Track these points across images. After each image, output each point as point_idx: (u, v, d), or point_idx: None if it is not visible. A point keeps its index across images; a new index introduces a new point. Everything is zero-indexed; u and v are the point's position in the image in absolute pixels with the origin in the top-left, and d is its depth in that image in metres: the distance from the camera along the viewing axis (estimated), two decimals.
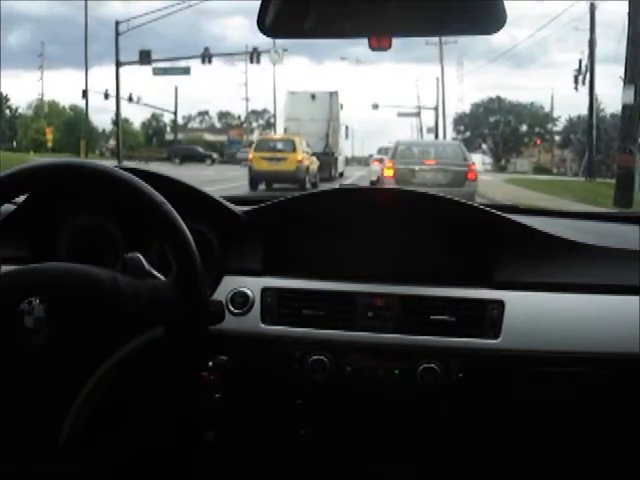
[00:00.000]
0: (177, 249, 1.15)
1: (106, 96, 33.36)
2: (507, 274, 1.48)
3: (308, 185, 18.37)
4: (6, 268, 1.23)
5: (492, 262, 1.49)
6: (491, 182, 22.88)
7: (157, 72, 31.23)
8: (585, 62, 25.04)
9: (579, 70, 26.03)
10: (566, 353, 1.39)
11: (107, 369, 1.13)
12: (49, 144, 38.80)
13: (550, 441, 1.51)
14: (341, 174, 25.29)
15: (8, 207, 1.53)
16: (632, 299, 1.41)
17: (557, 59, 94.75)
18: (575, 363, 1.40)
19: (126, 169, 1.24)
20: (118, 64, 29.61)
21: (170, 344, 1.14)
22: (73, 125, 44.91)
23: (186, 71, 31.47)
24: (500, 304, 1.43)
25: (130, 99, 37.24)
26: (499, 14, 1.19)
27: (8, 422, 1.14)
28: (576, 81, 26.60)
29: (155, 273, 1.22)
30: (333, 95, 24.71)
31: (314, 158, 20.66)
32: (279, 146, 19.80)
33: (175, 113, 47.80)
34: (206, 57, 29.69)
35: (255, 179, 18.95)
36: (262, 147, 19.99)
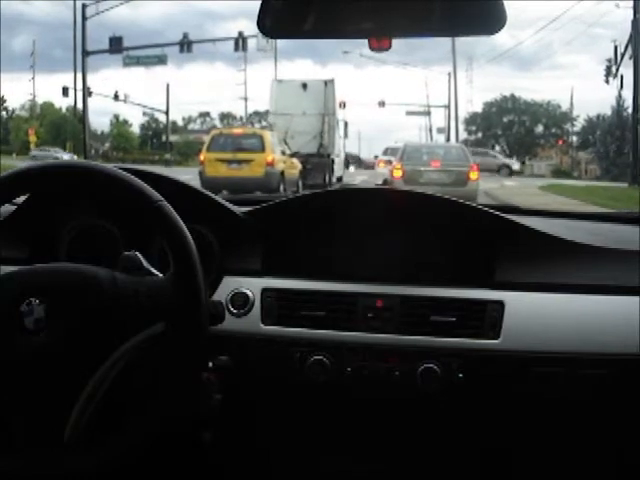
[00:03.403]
0: (175, 246, 1.23)
1: (89, 93, 33.38)
2: (507, 274, 1.55)
3: None
4: (6, 269, 1.30)
5: (492, 262, 1.57)
6: (521, 190, 21.39)
7: (128, 62, 29.90)
8: (621, 50, 23.59)
9: (614, 59, 24.57)
10: (566, 353, 1.47)
11: (108, 368, 1.20)
12: (32, 145, 38.92)
13: (550, 441, 1.59)
14: (339, 179, 22.64)
15: (8, 207, 1.62)
16: (632, 299, 1.49)
17: (565, 60, 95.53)
18: (575, 364, 1.47)
19: (125, 169, 1.32)
20: (85, 53, 28.66)
21: (171, 340, 1.21)
22: (60, 126, 44.94)
23: (162, 60, 29.96)
24: (500, 304, 1.51)
25: (116, 97, 37.23)
26: (499, 14, 1.25)
27: (8, 423, 1.21)
28: (608, 72, 25.31)
29: (153, 270, 1.29)
30: (328, 84, 21.17)
31: (294, 160, 17.37)
32: (242, 143, 15.80)
33: (167, 112, 47.76)
34: (185, 44, 28.43)
35: (208, 190, 13.72)
36: (218, 145, 15.87)
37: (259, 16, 1.29)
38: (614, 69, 24.80)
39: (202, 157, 15.88)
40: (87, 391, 1.20)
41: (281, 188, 15.14)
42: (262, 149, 15.43)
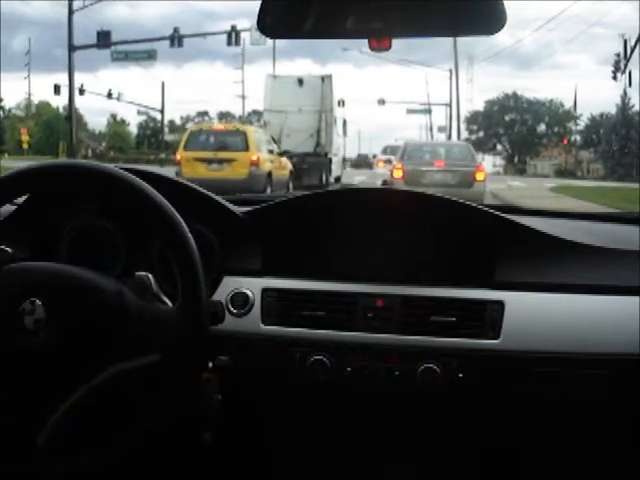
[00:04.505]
0: (186, 280, 1.25)
1: (81, 92, 33.35)
2: (507, 274, 1.59)
3: None
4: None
5: (492, 262, 1.60)
6: (532, 192, 20.44)
7: (117, 57, 29.51)
8: (631, 44, 23.29)
9: (625, 53, 24.18)
10: (566, 354, 1.50)
11: (99, 382, 1.23)
12: (24, 145, 39.01)
13: (550, 442, 1.62)
14: (337, 179, 21.94)
15: (8, 207, 1.64)
16: (632, 299, 1.52)
17: (565, 59, 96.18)
18: (575, 364, 1.50)
19: (127, 169, 1.35)
20: (71, 48, 28.29)
21: (166, 369, 1.23)
22: (54, 125, 45.07)
23: (151, 56, 29.60)
24: (500, 304, 1.54)
25: (109, 95, 37.28)
26: (499, 14, 1.28)
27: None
28: (617, 68, 24.91)
29: (162, 297, 1.32)
30: (326, 80, 20.27)
31: (283, 159, 16.22)
32: (223, 141, 14.57)
33: (162, 111, 47.80)
34: (175, 39, 28.05)
35: None
36: (197, 143, 14.60)
37: (259, 16, 1.32)
38: (622, 65, 24.51)
39: (179, 156, 14.48)
40: (73, 399, 1.22)
41: (268, 191, 13.66)
42: (245, 147, 14.13)
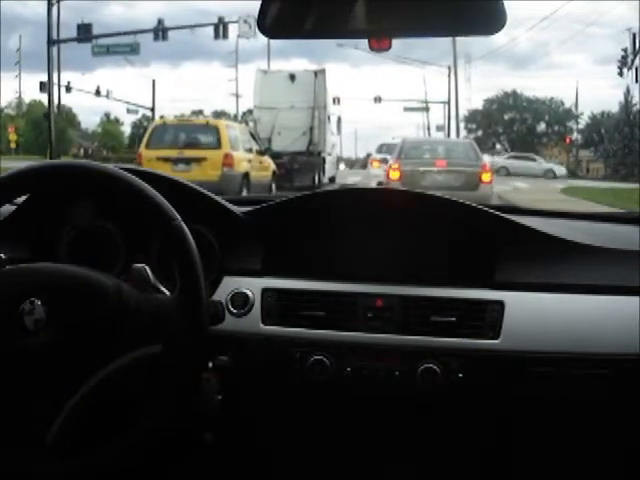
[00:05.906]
0: (184, 271, 1.28)
1: (68, 89, 33.24)
2: (507, 274, 1.62)
3: None
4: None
5: (492, 262, 1.63)
6: (542, 194, 19.18)
7: (97, 52, 28.70)
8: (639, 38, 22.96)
9: (634, 48, 23.95)
10: (566, 354, 1.53)
11: (100, 379, 1.26)
12: (12, 144, 38.96)
13: (550, 442, 1.66)
14: (332, 179, 21.70)
15: (8, 207, 1.67)
16: (632, 299, 1.56)
17: (561, 59, 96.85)
18: (575, 364, 1.54)
19: (127, 169, 1.38)
20: (50, 41, 27.43)
21: (166, 363, 1.25)
22: (43, 124, 44.97)
23: (134, 49, 28.62)
24: (500, 304, 1.58)
25: (97, 92, 37.19)
26: (499, 14, 1.31)
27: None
28: (624, 62, 24.71)
29: (160, 287, 1.35)
30: (319, 75, 19.53)
31: (264, 158, 14.88)
32: (191, 137, 13.06)
33: (153, 109, 47.59)
34: (159, 31, 27.38)
35: None
36: (161, 139, 12.95)
37: (259, 16, 1.35)
38: (629, 60, 24.29)
39: (141, 154, 12.73)
40: (76, 398, 1.25)
41: (245, 193, 12.29)
42: (217, 144, 12.59)
